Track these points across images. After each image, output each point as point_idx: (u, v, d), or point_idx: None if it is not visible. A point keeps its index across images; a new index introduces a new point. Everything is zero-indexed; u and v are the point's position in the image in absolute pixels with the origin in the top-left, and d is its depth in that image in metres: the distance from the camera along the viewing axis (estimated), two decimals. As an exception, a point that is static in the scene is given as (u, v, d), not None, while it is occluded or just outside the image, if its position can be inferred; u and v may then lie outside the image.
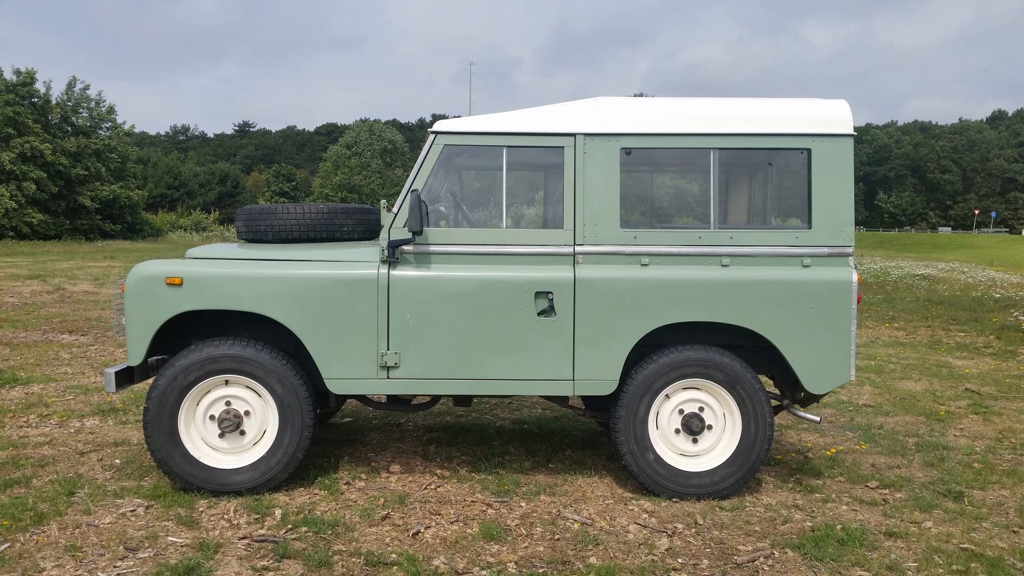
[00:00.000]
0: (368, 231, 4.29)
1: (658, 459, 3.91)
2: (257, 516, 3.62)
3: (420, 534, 3.47)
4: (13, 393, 5.99)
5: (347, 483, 4.09)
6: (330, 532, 3.46)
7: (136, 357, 3.79)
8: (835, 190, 3.85)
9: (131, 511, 3.64)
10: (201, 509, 3.68)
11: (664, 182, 5.38)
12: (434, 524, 3.58)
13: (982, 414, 5.78)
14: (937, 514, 3.81)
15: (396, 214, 3.85)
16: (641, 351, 3.94)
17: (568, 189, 3.87)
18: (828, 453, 4.76)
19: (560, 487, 4.09)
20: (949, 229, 72.27)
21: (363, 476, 4.21)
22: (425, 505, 3.81)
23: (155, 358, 4.05)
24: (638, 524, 3.62)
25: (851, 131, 3.86)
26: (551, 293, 3.80)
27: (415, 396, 4.41)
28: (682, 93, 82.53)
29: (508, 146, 3.89)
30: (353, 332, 3.80)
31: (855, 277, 3.82)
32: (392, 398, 4.41)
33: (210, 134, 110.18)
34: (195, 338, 4.07)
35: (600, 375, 3.85)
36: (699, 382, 3.90)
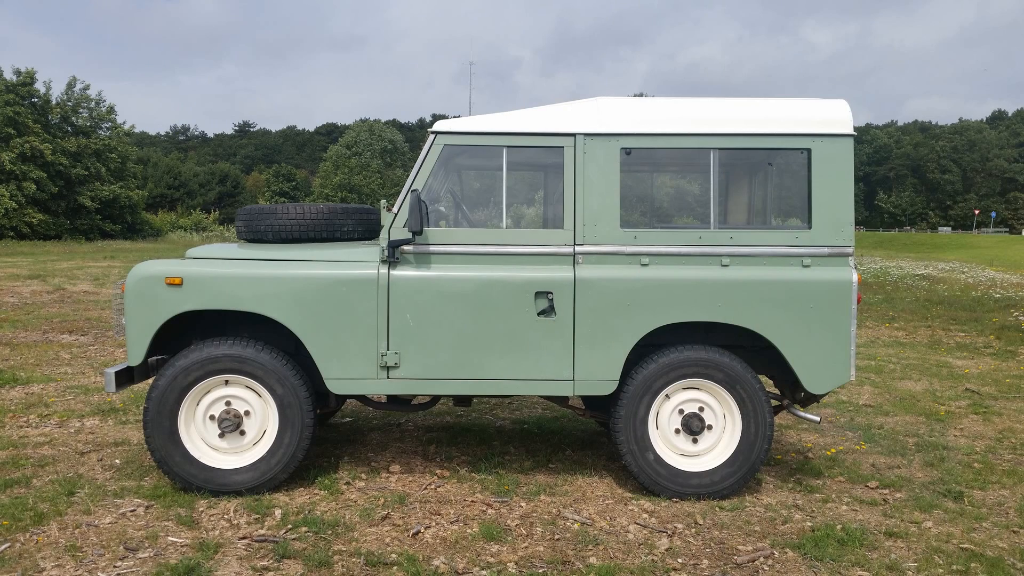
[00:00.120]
0: (368, 231, 4.30)
1: (658, 459, 3.91)
2: (257, 516, 3.62)
3: (420, 534, 3.47)
4: (13, 393, 5.99)
5: (347, 483, 4.09)
6: (330, 532, 3.46)
7: (136, 357, 3.79)
8: (835, 190, 3.85)
9: (131, 511, 3.64)
10: (201, 509, 3.68)
11: (664, 182, 5.38)
12: (434, 524, 3.58)
13: (982, 414, 5.78)
14: (937, 514, 3.81)
15: (396, 214, 3.85)
16: (641, 351, 3.94)
17: (568, 189, 3.87)
18: (828, 453, 4.76)
19: (560, 487, 4.09)
20: (949, 229, 72.26)
21: (363, 476, 4.21)
22: (425, 505, 3.81)
23: (155, 358, 4.05)
24: (638, 524, 3.62)
25: (851, 131, 3.86)
26: (551, 293, 3.80)
27: (415, 396, 4.41)
28: (682, 93, 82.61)
29: (508, 146, 3.89)
30: (353, 332, 3.80)
31: (855, 277, 3.82)
32: (392, 398, 4.41)
33: (210, 134, 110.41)
34: (195, 338, 4.07)
35: (600, 375, 3.85)
36: (699, 382, 3.90)
